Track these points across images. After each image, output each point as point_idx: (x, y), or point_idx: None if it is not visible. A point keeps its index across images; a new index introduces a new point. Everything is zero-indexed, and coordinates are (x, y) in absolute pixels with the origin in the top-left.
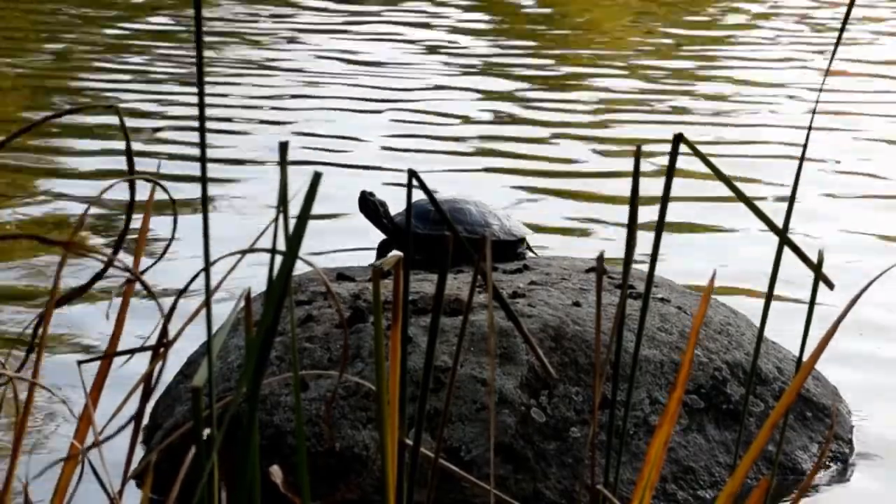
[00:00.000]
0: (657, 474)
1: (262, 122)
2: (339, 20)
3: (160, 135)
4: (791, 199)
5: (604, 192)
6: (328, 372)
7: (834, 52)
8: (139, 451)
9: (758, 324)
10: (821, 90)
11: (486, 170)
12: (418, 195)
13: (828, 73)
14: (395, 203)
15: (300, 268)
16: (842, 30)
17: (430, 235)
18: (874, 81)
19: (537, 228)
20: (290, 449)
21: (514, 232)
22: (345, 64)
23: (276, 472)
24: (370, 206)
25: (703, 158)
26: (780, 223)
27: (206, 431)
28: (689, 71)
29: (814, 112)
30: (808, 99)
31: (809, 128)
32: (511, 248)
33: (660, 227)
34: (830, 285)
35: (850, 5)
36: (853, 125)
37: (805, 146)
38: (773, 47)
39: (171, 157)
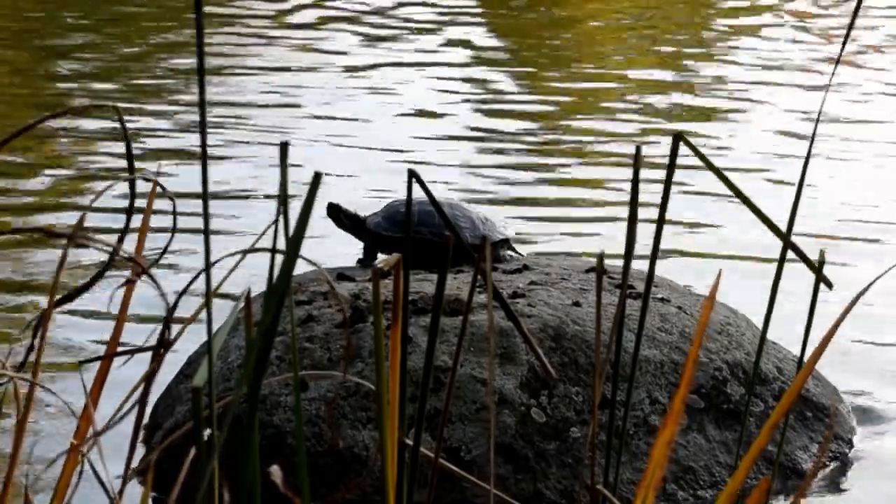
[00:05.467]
0: (661, 474)
1: (262, 124)
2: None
3: (161, 134)
4: (795, 201)
5: (604, 191)
6: (328, 372)
7: (842, 51)
8: (139, 451)
9: (756, 323)
10: (827, 93)
11: (484, 166)
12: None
13: (834, 72)
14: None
15: (300, 268)
16: (849, 30)
17: (391, 237)
18: (878, 80)
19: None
20: (290, 449)
21: (480, 235)
22: (352, 66)
23: (276, 472)
24: (336, 218)
25: (703, 159)
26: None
27: (207, 432)
28: (693, 70)
29: (819, 113)
30: (812, 98)
31: (815, 129)
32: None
33: (659, 226)
34: (829, 285)
35: (856, 12)
36: (858, 125)
37: (810, 148)
38: (776, 47)
39: (173, 153)
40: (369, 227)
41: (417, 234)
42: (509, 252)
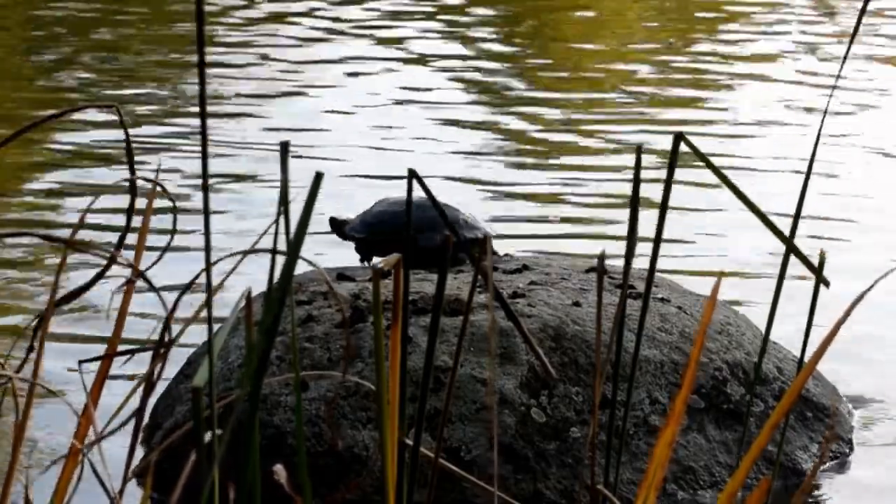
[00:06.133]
0: (662, 474)
1: (264, 123)
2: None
3: (161, 133)
4: (800, 203)
5: (604, 192)
6: (328, 372)
7: (847, 51)
8: (139, 451)
9: (756, 322)
10: (833, 91)
11: (482, 164)
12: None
13: (839, 74)
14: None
15: (300, 268)
16: (856, 27)
17: (363, 239)
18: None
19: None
20: (291, 449)
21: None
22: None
23: (279, 471)
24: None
25: (704, 159)
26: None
27: (208, 434)
28: (694, 71)
29: (825, 112)
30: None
31: (820, 129)
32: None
33: (660, 226)
34: (826, 284)
35: (864, 7)
36: (865, 122)
37: (814, 149)
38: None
39: (172, 153)
40: (346, 232)
41: (383, 235)
42: (497, 255)
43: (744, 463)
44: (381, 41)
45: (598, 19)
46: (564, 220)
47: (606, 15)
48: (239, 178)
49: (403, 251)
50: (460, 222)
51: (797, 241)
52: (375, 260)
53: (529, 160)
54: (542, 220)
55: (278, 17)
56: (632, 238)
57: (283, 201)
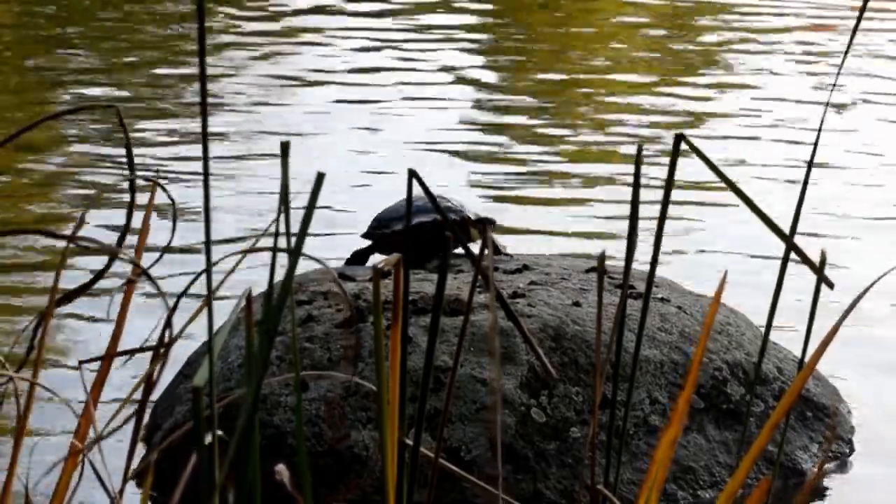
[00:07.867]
0: (664, 474)
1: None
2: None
3: (160, 135)
4: (799, 203)
5: (604, 191)
6: (329, 372)
7: (847, 50)
8: (140, 451)
9: (756, 322)
10: (829, 100)
11: (482, 162)
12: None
13: (839, 72)
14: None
15: (301, 268)
16: (854, 32)
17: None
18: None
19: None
20: (291, 449)
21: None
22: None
23: (282, 470)
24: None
25: (705, 158)
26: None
27: (209, 437)
28: (693, 71)
29: (824, 113)
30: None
31: (819, 130)
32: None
33: (660, 226)
34: (830, 285)
35: (863, 8)
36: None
37: (814, 149)
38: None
39: (173, 155)
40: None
41: (387, 230)
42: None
43: (744, 463)
44: (383, 43)
45: (597, 17)
46: (563, 220)
47: (605, 13)
48: (239, 177)
49: (403, 251)
50: (452, 208)
51: (798, 241)
52: (376, 259)
53: (528, 159)
54: (541, 220)
55: (275, 18)
56: (632, 238)
57: (284, 201)
